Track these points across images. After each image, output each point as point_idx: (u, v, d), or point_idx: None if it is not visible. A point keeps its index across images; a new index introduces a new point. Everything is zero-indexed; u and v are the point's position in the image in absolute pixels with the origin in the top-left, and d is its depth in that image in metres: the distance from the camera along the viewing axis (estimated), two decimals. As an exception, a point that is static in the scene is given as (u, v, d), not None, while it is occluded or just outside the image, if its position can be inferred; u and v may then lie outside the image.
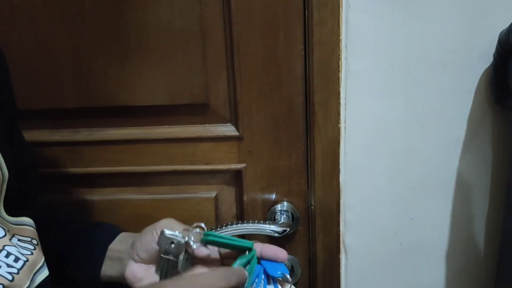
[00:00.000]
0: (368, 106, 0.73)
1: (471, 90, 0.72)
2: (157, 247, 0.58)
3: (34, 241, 0.56)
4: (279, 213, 0.79)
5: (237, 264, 0.52)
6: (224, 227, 0.74)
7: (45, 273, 0.56)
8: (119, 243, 0.65)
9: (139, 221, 0.80)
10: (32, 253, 0.54)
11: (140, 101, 0.74)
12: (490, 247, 0.78)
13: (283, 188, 0.79)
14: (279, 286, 0.56)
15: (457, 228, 0.78)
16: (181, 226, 0.60)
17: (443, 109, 0.72)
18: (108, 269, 0.64)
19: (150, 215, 0.80)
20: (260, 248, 0.56)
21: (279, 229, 0.75)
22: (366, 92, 0.72)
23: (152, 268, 0.60)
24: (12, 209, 0.56)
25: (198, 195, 0.80)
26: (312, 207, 0.79)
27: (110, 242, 0.66)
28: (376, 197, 0.77)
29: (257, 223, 0.74)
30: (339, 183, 0.76)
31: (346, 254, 0.80)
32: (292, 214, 0.79)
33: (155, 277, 0.59)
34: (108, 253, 0.65)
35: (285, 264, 0.61)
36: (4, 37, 0.64)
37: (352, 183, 0.77)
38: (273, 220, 0.79)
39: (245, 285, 0.50)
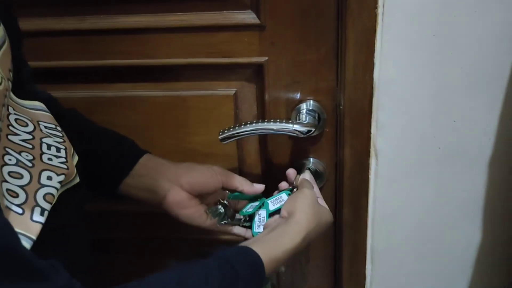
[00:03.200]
0: (411, -13, 0.62)
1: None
2: (210, 189, 0.65)
3: (59, 128, 0.55)
4: (304, 113, 0.72)
5: (248, 206, 0.69)
6: (243, 126, 0.68)
7: (76, 157, 0.56)
8: (153, 163, 0.66)
9: (155, 119, 0.76)
10: (64, 140, 0.54)
11: (149, -17, 0.66)
12: (541, 154, 0.70)
13: (309, 85, 0.71)
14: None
15: (504, 132, 0.69)
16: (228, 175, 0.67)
17: (503, -9, 0.61)
18: (132, 180, 0.64)
19: (166, 113, 0.75)
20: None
21: (303, 129, 0.68)
22: (411, -30, 0.61)
23: (193, 200, 0.65)
24: (22, 93, 0.53)
25: (217, 92, 0.74)
26: (341, 107, 0.71)
27: (140, 155, 0.66)
28: (414, 95, 0.68)
29: (279, 122, 0.68)
30: (372, 79, 0.68)
31: (377, 158, 0.73)
32: (318, 114, 0.72)
33: (199, 208, 0.65)
34: (142, 161, 0.65)
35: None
36: None
37: (387, 80, 0.68)
38: (297, 120, 0.72)
39: None
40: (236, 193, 0.68)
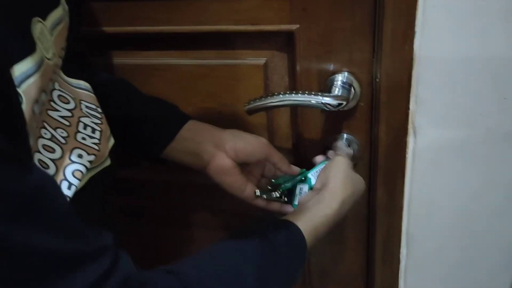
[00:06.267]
0: None
1: None
2: (256, 158, 0.64)
3: (99, 109, 0.56)
4: (337, 85, 0.67)
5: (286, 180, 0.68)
6: (269, 97, 0.65)
7: (112, 140, 0.57)
8: (197, 127, 0.66)
9: (183, 88, 0.75)
10: (102, 122, 0.55)
11: None
12: None
13: (343, 56, 0.66)
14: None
15: None
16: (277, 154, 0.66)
17: None
18: (176, 144, 0.64)
19: (194, 82, 0.73)
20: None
21: (334, 102, 0.63)
22: None
23: (236, 168, 0.64)
24: (66, 68, 0.55)
25: (246, 61, 0.70)
26: (377, 80, 0.66)
27: (185, 120, 0.66)
28: (459, 68, 0.61)
29: (308, 94, 0.64)
30: (412, 50, 0.62)
31: (415, 137, 0.68)
32: (353, 87, 0.67)
33: (239, 178, 0.64)
34: (187, 126, 0.65)
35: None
36: None
37: (429, 51, 0.61)
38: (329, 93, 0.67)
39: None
40: (281, 179, 0.68)
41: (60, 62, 0.51)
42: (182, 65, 0.72)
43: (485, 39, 0.59)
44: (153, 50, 0.72)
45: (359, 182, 0.64)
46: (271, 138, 0.76)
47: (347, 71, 0.67)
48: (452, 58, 0.61)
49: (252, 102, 0.66)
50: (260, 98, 0.65)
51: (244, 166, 0.66)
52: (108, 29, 0.70)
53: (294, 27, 0.65)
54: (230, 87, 0.72)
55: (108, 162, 0.53)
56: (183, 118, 0.66)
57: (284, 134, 0.75)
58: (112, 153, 0.56)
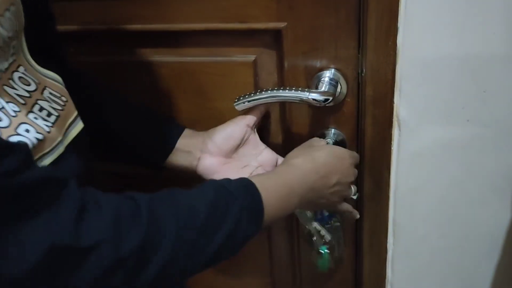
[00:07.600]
0: None
1: None
2: (237, 138, 0.67)
3: (64, 98, 0.56)
4: (323, 82, 0.69)
5: None
6: (258, 93, 0.67)
7: (79, 125, 0.56)
8: (189, 137, 0.69)
9: (173, 85, 0.76)
10: (63, 109, 0.55)
11: None
12: None
13: (329, 53, 0.68)
14: None
15: (542, 104, 0.64)
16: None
17: None
18: (171, 155, 0.69)
19: (184, 79, 0.75)
20: None
21: (320, 97, 0.65)
22: None
23: (228, 164, 0.67)
24: (40, 60, 0.55)
25: (235, 58, 0.72)
26: (362, 75, 0.68)
27: (181, 132, 0.70)
28: (441, 62, 0.64)
29: (295, 90, 0.66)
30: (396, 45, 0.64)
31: (400, 129, 0.70)
32: (339, 83, 0.69)
33: (233, 174, 0.62)
34: (181, 137, 0.69)
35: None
36: None
37: (412, 46, 0.63)
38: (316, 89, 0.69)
39: None
40: None
41: (13, 39, 0.50)
42: (172, 62, 0.73)
43: (464, 35, 0.61)
44: (142, 47, 0.73)
45: (321, 151, 0.65)
46: (261, 133, 0.77)
47: (334, 68, 0.69)
48: (434, 53, 0.63)
49: (241, 98, 0.67)
50: (249, 94, 0.67)
51: (238, 150, 0.68)
52: (97, 27, 0.71)
53: (281, 24, 0.67)
54: (220, 84, 0.74)
55: (61, 149, 0.53)
56: (179, 128, 0.70)
57: (274, 129, 0.77)
58: (90, 147, 0.58)
